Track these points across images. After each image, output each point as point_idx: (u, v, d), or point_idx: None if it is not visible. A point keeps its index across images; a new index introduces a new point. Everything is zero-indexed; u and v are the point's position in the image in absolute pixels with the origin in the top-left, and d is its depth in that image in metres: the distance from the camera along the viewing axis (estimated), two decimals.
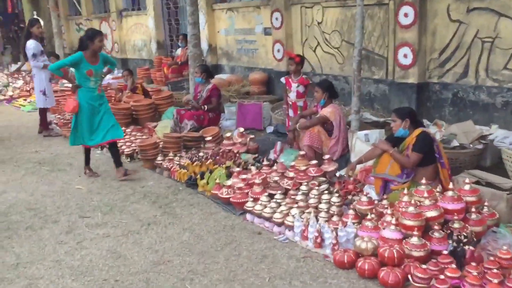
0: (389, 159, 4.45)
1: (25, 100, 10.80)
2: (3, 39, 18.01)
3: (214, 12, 9.79)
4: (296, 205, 4.39)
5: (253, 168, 5.31)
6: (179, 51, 10.23)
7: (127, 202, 5.02)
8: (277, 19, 8.15)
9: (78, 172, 6.09)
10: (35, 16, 9.27)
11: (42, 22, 8.04)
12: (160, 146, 6.23)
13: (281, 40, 8.19)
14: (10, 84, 12.76)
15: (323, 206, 4.37)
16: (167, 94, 8.31)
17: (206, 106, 6.96)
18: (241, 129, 6.45)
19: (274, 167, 5.27)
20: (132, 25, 12.79)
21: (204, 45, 9.74)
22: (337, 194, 4.50)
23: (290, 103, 6.21)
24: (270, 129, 7.31)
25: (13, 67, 15.33)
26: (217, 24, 9.81)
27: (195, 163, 5.59)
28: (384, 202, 4.17)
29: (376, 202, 4.27)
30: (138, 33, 12.62)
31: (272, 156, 5.93)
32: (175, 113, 7.03)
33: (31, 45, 7.51)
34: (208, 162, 5.63)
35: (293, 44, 8.17)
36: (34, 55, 7.52)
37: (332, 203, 4.40)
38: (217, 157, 5.86)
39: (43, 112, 7.86)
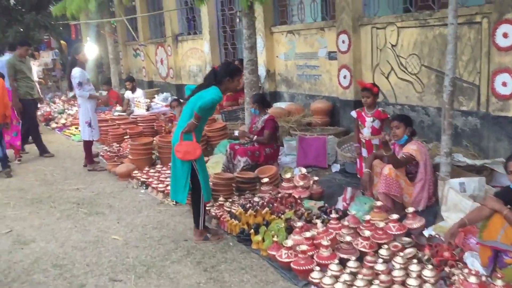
0: (502, 222, 3.39)
1: (76, 128, 10.42)
2: (63, 65, 18.16)
3: (273, 35, 9.02)
4: (377, 281, 3.39)
5: (318, 222, 4.36)
6: None
7: (167, 261, 4.20)
8: (344, 42, 7.24)
9: (117, 216, 5.37)
10: (85, 43, 8.83)
11: (89, 49, 7.59)
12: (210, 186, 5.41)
13: (347, 65, 7.25)
14: (66, 110, 12.54)
15: (412, 282, 3.36)
16: (220, 125, 7.55)
17: (255, 136, 6.14)
18: (303, 170, 5.53)
19: (345, 221, 4.31)
20: (187, 50, 12.29)
21: (262, 71, 8.97)
22: (429, 265, 3.48)
23: (363, 141, 5.23)
24: (335, 167, 6.34)
25: (71, 93, 15.28)
26: (276, 48, 9.02)
27: (249, 212, 4.71)
28: (498, 283, 3.10)
29: (485, 279, 3.21)
30: (193, 58, 12.09)
31: (340, 204, 4.95)
32: (228, 148, 6.24)
33: (77, 73, 7.00)
34: (265, 211, 4.73)
35: (362, 69, 7.21)
36: (80, 84, 7.00)
37: (425, 277, 3.39)
38: (275, 204, 4.96)
39: (88, 144, 7.29)
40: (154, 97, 11.81)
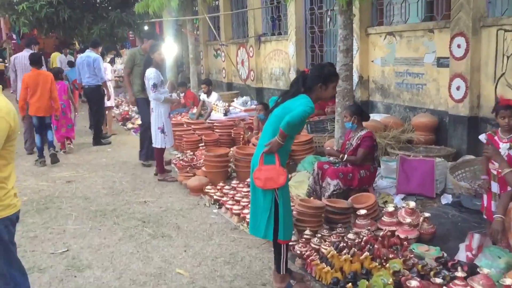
0: None
1: None
2: None
3: (368, 37, 7.95)
4: None
5: (438, 280, 3.32)
6: None
7: None
8: (460, 46, 6.04)
9: (185, 242, 4.61)
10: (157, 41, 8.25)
11: (167, 48, 6.97)
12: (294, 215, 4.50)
13: (463, 74, 6.05)
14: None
15: None
16: (306, 138, 6.63)
17: (345, 156, 5.16)
18: (412, 204, 4.46)
19: (474, 282, 3.23)
20: (270, 52, 11.49)
21: (354, 77, 7.93)
22: None
23: (494, 172, 4.06)
24: (446, 199, 5.20)
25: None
26: (371, 52, 7.95)
27: (344, 256, 3.75)
28: None
29: None
30: (276, 60, 11.27)
31: (463, 254, 3.85)
32: (316, 167, 5.30)
33: (151, 74, 6.38)
34: (364, 255, 3.75)
35: (481, 79, 5.99)
36: (154, 86, 6.37)
37: None
38: (375, 246, 3.96)
39: (159, 152, 6.66)
40: (233, 101, 11.12)
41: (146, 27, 16.54)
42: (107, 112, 10.17)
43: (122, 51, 18.47)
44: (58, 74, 8.71)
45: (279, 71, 11.17)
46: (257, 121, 7.40)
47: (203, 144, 7.63)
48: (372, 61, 7.96)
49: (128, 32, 16.20)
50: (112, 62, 19.24)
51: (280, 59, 11.02)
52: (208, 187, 5.94)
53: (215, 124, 8.47)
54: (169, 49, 11.12)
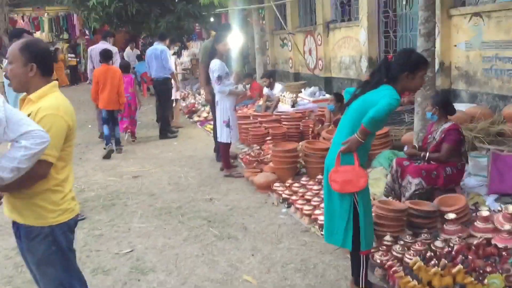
0: None
1: None
2: None
3: (451, 19, 7.23)
4: None
5: None
6: None
7: None
8: None
9: (252, 245, 4.31)
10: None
11: (233, 38, 6.68)
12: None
13: None
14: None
15: None
16: (382, 132, 6.10)
17: (427, 154, 4.61)
18: (511, 208, 3.88)
19: None
20: (339, 39, 10.93)
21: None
22: None
23: None
24: None
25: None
26: (454, 36, 7.23)
27: (433, 270, 3.27)
28: None
29: None
30: (346, 48, 10.70)
31: None
32: (394, 163, 4.81)
33: (216, 65, 6.12)
34: (456, 269, 3.26)
35: None
36: (219, 78, 6.11)
37: None
38: (469, 256, 3.45)
39: (225, 147, 6.40)
40: (301, 91, 10.71)
41: (212, 19, 16.48)
42: (174, 104, 10.11)
43: (188, 44, 18.50)
44: (126, 68, 8.97)
45: (349, 60, 10.60)
46: (328, 113, 6.94)
47: (270, 137, 7.30)
48: (455, 46, 7.24)
49: (195, 24, 16.11)
50: (178, 54, 19.44)
51: (350, 46, 10.44)
52: (276, 184, 5.61)
53: (282, 116, 8.11)
54: (235, 39, 10.89)
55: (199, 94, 13.82)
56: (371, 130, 3.07)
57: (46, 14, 23.47)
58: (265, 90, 9.64)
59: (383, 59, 3.48)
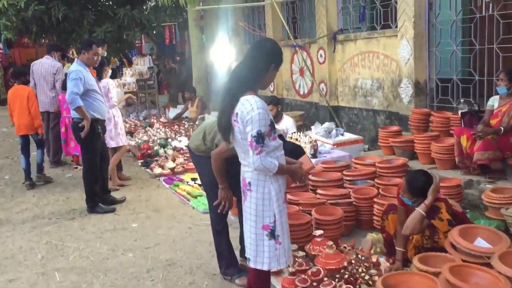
0: None
1: (195, 181, 6.38)
2: (160, 74, 14.48)
3: None
4: None
5: None
6: None
7: None
8: None
9: None
10: None
11: None
12: None
13: None
14: (170, 142, 8.62)
15: None
16: None
17: None
18: None
19: None
20: (354, 55, 7.93)
21: None
22: None
23: None
24: None
25: (171, 112, 11.48)
26: None
27: None
28: None
29: None
30: (365, 68, 7.81)
31: None
32: None
33: (256, 112, 2.86)
34: None
35: None
36: (260, 137, 2.85)
37: None
38: None
39: (265, 278, 3.10)
40: (305, 127, 7.63)
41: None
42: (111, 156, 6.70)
43: (133, 60, 14.94)
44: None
45: (371, 83, 7.66)
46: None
47: (318, 229, 4.09)
48: None
49: (142, 34, 12.61)
50: (118, 73, 15.72)
51: (375, 65, 7.52)
52: None
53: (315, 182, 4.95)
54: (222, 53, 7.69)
55: (151, 126, 10.34)
56: None
57: None
58: None
59: None
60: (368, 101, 7.77)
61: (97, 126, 5.53)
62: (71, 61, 13.77)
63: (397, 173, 5.25)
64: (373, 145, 7.46)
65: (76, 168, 7.77)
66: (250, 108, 2.71)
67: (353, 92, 8.13)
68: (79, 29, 11.35)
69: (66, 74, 9.68)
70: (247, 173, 2.88)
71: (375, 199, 4.53)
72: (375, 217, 4.48)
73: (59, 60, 8.43)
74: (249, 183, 2.86)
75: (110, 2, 12.45)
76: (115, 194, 6.16)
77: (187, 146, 4.07)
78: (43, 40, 14.15)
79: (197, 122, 9.96)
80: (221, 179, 3.62)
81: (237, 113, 2.77)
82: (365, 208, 4.59)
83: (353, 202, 4.62)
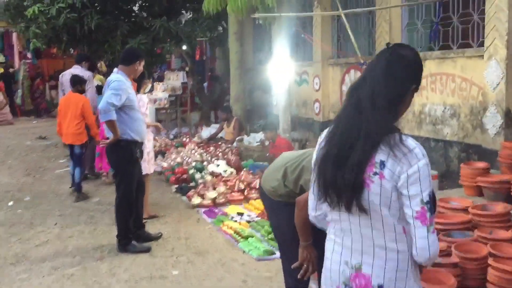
0: None
1: (240, 215, 5.39)
2: (194, 91, 13.63)
3: None
4: None
5: None
6: None
7: None
8: None
9: None
10: None
11: None
12: None
13: None
14: (206, 166, 7.67)
15: None
16: None
17: None
18: None
19: None
20: (423, 77, 7.07)
21: None
22: None
23: None
24: None
25: (204, 131, 10.61)
26: None
27: None
28: None
29: None
30: (435, 92, 6.85)
31: None
32: None
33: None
34: None
35: None
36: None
37: None
38: None
39: None
40: None
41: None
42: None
43: (164, 74, 14.19)
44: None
45: (443, 110, 6.67)
46: None
47: None
48: None
49: (178, 47, 11.84)
50: (150, 89, 14.99)
51: (449, 89, 6.54)
52: None
53: None
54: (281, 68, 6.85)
55: (183, 146, 9.44)
56: None
57: None
58: None
59: None
60: (437, 130, 6.78)
61: (135, 149, 4.67)
62: (99, 73, 13.16)
63: (499, 222, 4.24)
64: (443, 180, 6.46)
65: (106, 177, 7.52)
66: (412, 157, 1.71)
67: (418, 119, 7.15)
68: (111, 40, 10.66)
69: (96, 86, 9.12)
70: (377, 268, 1.75)
71: (489, 261, 3.52)
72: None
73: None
74: (380, 287, 1.75)
75: (145, 14, 11.84)
76: (148, 227, 5.27)
77: (259, 187, 3.14)
78: (72, 51, 13.59)
79: (235, 144, 9.12)
80: (306, 233, 2.70)
81: (382, 163, 1.73)
82: (474, 272, 3.58)
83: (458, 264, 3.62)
